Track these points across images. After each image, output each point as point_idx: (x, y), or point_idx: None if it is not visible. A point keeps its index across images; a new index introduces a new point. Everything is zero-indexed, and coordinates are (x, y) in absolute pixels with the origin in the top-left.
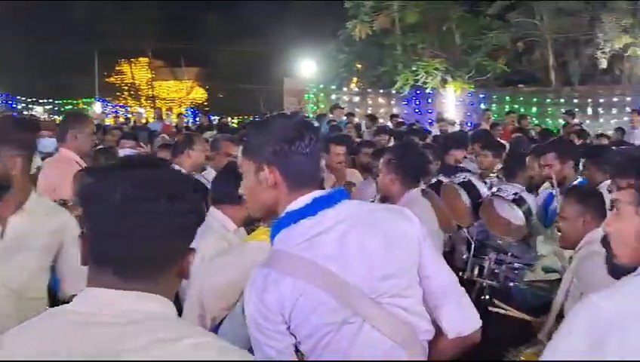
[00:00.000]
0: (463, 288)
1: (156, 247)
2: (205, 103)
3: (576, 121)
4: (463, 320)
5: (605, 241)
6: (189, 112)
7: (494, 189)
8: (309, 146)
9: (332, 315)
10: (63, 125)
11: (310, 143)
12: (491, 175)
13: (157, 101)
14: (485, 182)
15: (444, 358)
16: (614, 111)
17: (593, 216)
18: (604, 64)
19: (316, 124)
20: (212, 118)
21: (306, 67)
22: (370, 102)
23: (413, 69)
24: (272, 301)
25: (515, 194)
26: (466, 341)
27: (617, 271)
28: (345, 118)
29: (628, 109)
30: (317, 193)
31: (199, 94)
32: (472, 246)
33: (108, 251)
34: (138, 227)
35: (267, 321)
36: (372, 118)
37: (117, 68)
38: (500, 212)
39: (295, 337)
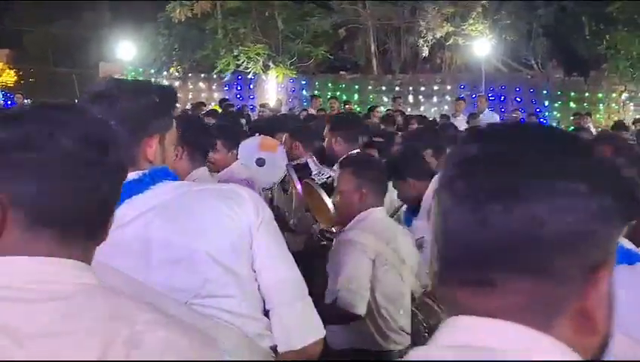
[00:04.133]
0: (305, 290)
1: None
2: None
3: (399, 107)
4: (293, 330)
5: None
6: None
7: (315, 172)
8: None
9: None
10: None
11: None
12: None
13: None
14: None
15: None
16: (435, 99)
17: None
18: (425, 52)
19: None
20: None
21: (124, 50)
22: (191, 86)
23: (235, 53)
24: None
25: (329, 177)
26: (301, 355)
27: None
28: None
29: (448, 98)
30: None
31: (9, 77)
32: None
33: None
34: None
35: None
36: (199, 105)
37: None
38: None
39: None
